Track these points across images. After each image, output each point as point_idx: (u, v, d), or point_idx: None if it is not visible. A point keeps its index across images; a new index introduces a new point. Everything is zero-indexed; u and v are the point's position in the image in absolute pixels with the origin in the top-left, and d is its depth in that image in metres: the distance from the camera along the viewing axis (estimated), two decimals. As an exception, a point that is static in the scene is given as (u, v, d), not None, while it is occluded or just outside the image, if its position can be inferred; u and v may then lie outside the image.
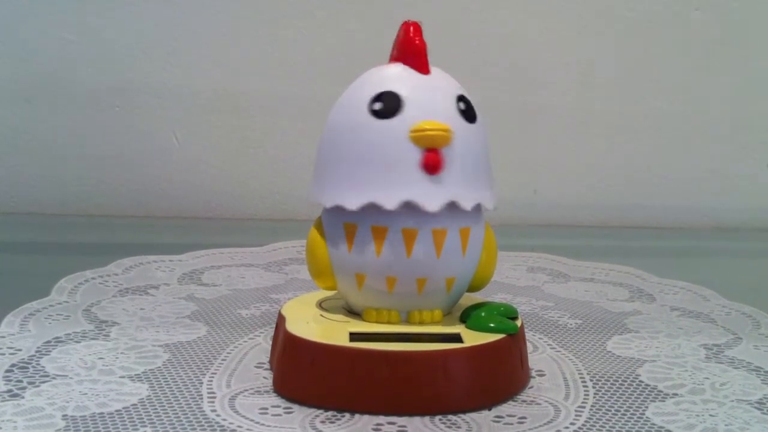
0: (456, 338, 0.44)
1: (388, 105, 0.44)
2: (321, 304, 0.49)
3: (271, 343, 0.49)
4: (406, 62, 0.45)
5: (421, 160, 0.43)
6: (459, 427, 0.40)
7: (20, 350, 0.48)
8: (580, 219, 1.00)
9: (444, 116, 0.44)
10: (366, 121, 0.44)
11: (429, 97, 0.44)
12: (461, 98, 0.45)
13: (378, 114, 0.44)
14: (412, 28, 0.46)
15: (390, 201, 0.43)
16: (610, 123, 0.99)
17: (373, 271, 0.45)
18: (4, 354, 0.47)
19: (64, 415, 0.40)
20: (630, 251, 0.87)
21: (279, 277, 0.68)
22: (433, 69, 0.46)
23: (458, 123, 0.44)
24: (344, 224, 0.45)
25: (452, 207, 0.44)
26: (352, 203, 0.44)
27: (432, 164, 0.43)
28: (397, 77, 0.45)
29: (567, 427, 0.41)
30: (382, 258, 0.44)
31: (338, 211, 0.45)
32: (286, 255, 0.75)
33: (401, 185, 0.43)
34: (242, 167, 0.97)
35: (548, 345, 0.53)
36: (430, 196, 0.43)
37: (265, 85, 0.95)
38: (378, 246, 0.44)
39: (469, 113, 0.45)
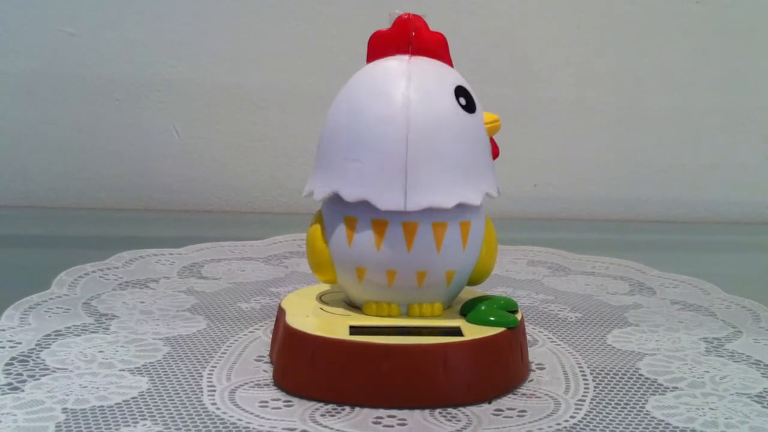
0: (456, 332, 0.44)
1: (469, 101, 0.45)
2: (321, 298, 0.49)
3: (271, 336, 0.49)
4: (430, 55, 0.46)
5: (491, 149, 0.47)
6: (459, 421, 0.40)
7: (20, 343, 0.48)
8: (580, 213, 1.00)
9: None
10: (458, 117, 0.45)
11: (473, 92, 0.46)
12: (460, 90, 0.45)
13: (467, 109, 0.45)
14: (416, 22, 0.46)
15: (477, 196, 0.45)
16: (610, 117, 0.99)
17: (373, 264, 0.45)
18: (4, 347, 0.47)
19: (64, 408, 0.40)
20: (630, 245, 0.87)
21: (279, 271, 0.68)
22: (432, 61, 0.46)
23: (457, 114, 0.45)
24: (344, 217, 0.45)
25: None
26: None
27: (497, 151, 0.47)
28: (449, 72, 0.46)
29: (567, 420, 0.41)
30: (382, 251, 0.44)
31: (341, 204, 0.44)
32: (286, 248, 0.75)
33: (483, 179, 0.46)
34: (242, 161, 0.97)
35: (548, 338, 0.53)
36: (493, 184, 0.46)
37: (265, 79, 0.95)
38: (378, 239, 0.44)
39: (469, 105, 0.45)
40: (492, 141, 0.46)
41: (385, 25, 0.47)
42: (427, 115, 0.44)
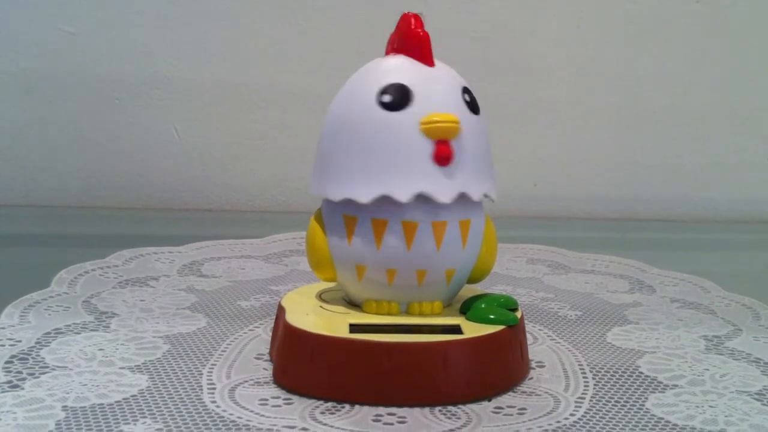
0: (456, 330, 0.44)
1: (396, 97, 0.44)
2: (321, 296, 0.49)
3: (270, 334, 0.49)
4: (409, 54, 0.45)
5: (432, 151, 0.43)
6: (459, 418, 0.40)
7: (20, 341, 0.48)
8: (580, 211, 1.00)
9: (452, 108, 0.44)
10: (375, 114, 0.44)
11: (436, 89, 0.44)
12: (466, 90, 0.45)
13: (387, 106, 0.44)
14: (413, 20, 0.45)
15: (403, 193, 0.43)
16: (609, 116, 0.99)
17: (373, 262, 0.45)
18: (4, 345, 0.47)
19: (64, 406, 0.40)
20: (630, 243, 0.87)
21: (279, 269, 0.68)
22: (435, 61, 0.46)
23: (465, 115, 0.44)
24: (344, 216, 0.45)
25: (462, 198, 0.44)
26: (364, 196, 0.43)
27: (444, 156, 0.43)
28: (404, 69, 0.45)
29: (567, 418, 0.41)
30: (382, 250, 0.44)
31: (341, 203, 0.44)
32: (286, 246, 0.75)
33: (413, 177, 0.43)
34: (242, 159, 0.97)
35: (548, 336, 0.53)
36: (442, 187, 0.43)
37: (265, 78, 0.95)
38: (378, 238, 0.44)
39: (473, 105, 0.45)
40: (437, 143, 0.44)
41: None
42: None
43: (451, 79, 0.45)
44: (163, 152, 0.96)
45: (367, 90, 0.44)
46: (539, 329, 0.55)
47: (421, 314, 0.46)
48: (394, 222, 0.44)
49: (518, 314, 0.46)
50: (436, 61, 0.46)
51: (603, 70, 0.98)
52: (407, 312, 0.46)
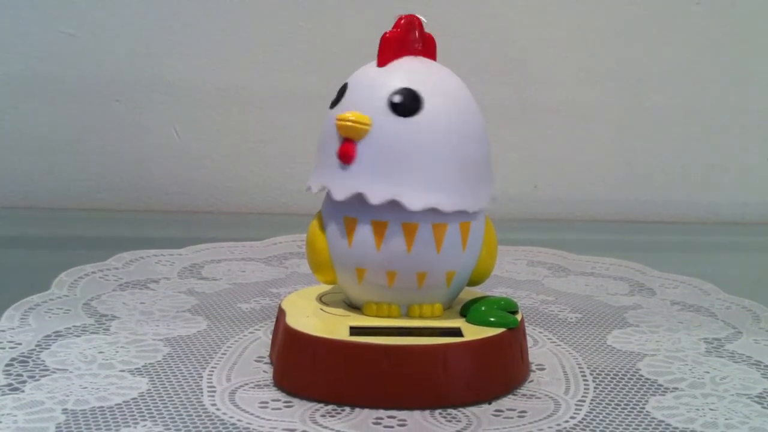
0: (456, 332, 0.44)
1: (337, 96, 0.46)
2: (321, 298, 0.49)
3: (271, 337, 0.49)
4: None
5: (338, 149, 0.44)
6: (459, 421, 0.40)
7: (20, 344, 0.48)
8: (580, 213, 1.00)
9: (371, 109, 0.44)
10: (327, 112, 0.46)
11: (367, 90, 0.45)
12: (404, 91, 0.44)
13: (331, 104, 0.46)
14: (403, 21, 0.46)
15: (337, 192, 0.44)
16: (610, 118, 0.99)
17: (373, 265, 0.45)
18: (4, 348, 0.47)
19: (65, 409, 0.40)
20: (630, 245, 0.87)
21: (279, 271, 0.68)
22: (403, 62, 0.45)
23: (384, 116, 0.44)
24: (344, 218, 0.45)
25: (360, 198, 0.44)
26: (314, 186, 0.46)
27: (343, 154, 0.44)
28: (360, 70, 0.46)
29: (567, 421, 0.41)
30: (382, 252, 0.44)
31: (341, 204, 0.44)
32: (286, 249, 0.75)
33: (321, 170, 0.45)
34: (242, 161, 0.97)
35: (548, 339, 0.53)
36: (340, 185, 0.44)
37: (265, 80, 0.95)
38: (378, 240, 0.44)
39: (403, 107, 0.44)
40: (343, 142, 0.44)
41: (384, 25, 0.47)
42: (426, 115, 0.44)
43: (388, 82, 0.44)
44: (163, 154, 0.96)
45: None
46: (539, 332, 0.55)
47: (422, 317, 0.46)
48: (394, 224, 0.44)
49: (518, 317, 0.46)
50: (400, 62, 0.45)
51: (603, 71, 0.98)
52: (407, 314, 0.46)
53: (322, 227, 0.46)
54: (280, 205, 0.97)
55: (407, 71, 0.45)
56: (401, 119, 0.44)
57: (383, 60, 0.45)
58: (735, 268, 0.79)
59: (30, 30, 0.92)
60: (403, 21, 0.46)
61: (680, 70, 0.99)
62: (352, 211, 0.44)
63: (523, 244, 0.79)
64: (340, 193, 0.44)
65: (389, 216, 0.44)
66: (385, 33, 0.45)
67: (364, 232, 0.44)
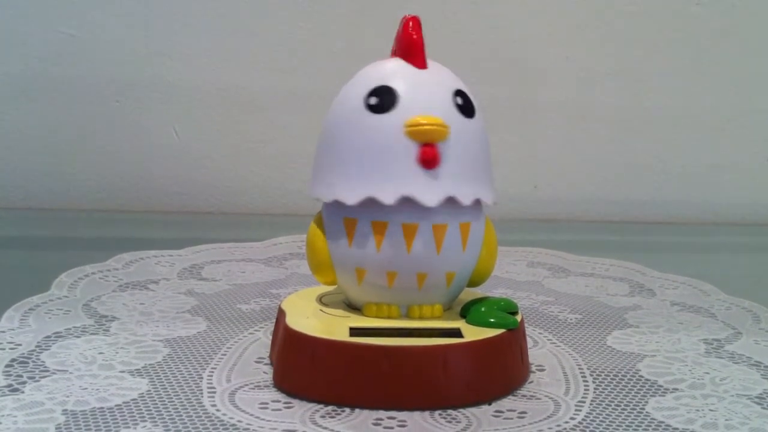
0: (456, 333, 0.44)
1: (383, 100, 0.44)
2: (321, 299, 0.49)
3: (271, 338, 0.49)
4: (404, 57, 0.45)
5: (417, 154, 0.43)
6: (459, 422, 0.40)
7: (20, 345, 0.48)
8: (580, 214, 1.00)
9: (440, 111, 0.44)
10: (362, 116, 0.44)
11: (425, 92, 0.44)
12: (459, 93, 0.45)
13: (374, 109, 0.44)
14: (411, 23, 0.45)
15: (388, 196, 0.43)
16: (610, 118, 0.99)
17: (373, 265, 0.45)
18: (4, 349, 0.47)
19: (65, 410, 0.40)
20: (630, 246, 0.87)
21: (279, 272, 0.68)
22: (431, 63, 0.46)
23: (455, 117, 0.44)
24: (344, 219, 0.45)
25: (451, 202, 0.44)
26: (351, 198, 0.44)
27: (428, 158, 0.43)
28: (394, 72, 0.45)
29: (567, 422, 0.41)
30: (382, 253, 0.44)
31: (338, 205, 0.44)
32: (286, 250, 0.75)
33: (399, 180, 0.43)
34: (242, 162, 0.97)
35: (548, 340, 0.53)
36: (428, 190, 0.43)
37: (265, 80, 0.95)
38: (378, 241, 0.44)
39: (466, 108, 0.45)
40: (422, 146, 0.43)
41: (384, 25, 0.47)
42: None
43: (442, 82, 0.45)
44: (163, 155, 0.96)
45: (357, 93, 0.45)
46: (539, 333, 0.55)
47: (422, 317, 0.46)
48: (394, 224, 0.44)
49: (518, 318, 0.46)
50: (432, 64, 0.46)
51: (603, 72, 0.98)
52: (407, 315, 0.46)
53: (322, 228, 0.46)
54: (280, 205, 0.97)
55: (448, 72, 0.46)
56: (466, 119, 0.45)
57: (423, 62, 0.45)
58: (735, 269, 0.79)
59: (30, 30, 0.92)
60: (411, 22, 0.46)
61: (680, 70, 0.99)
62: (353, 212, 0.44)
63: (523, 245, 0.79)
64: (432, 200, 0.43)
65: (389, 216, 0.44)
66: (410, 34, 0.45)
67: (364, 233, 0.44)
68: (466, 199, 0.44)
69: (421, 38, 0.45)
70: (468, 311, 0.46)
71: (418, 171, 0.43)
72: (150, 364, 0.46)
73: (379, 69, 0.46)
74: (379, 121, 0.44)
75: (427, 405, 0.42)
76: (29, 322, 0.52)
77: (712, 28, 0.98)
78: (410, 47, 0.45)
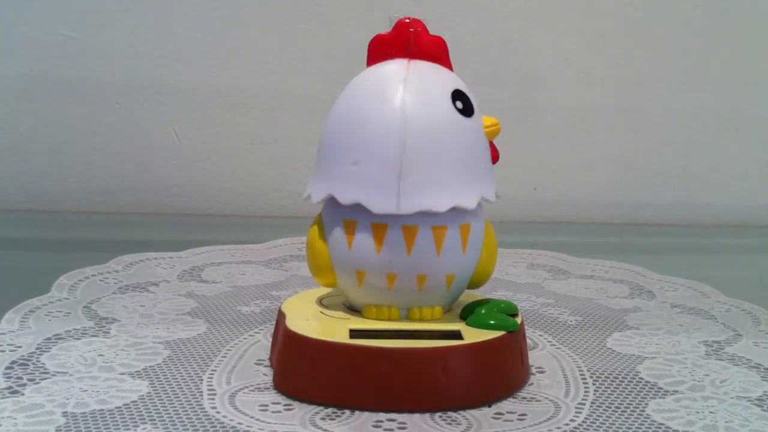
0: (456, 335, 0.44)
1: (467, 103, 0.45)
2: (321, 301, 0.49)
3: (271, 340, 0.49)
4: (428, 59, 0.46)
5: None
6: (459, 424, 0.40)
7: (20, 347, 0.48)
8: (580, 216, 1.00)
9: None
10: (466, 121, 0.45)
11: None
12: (457, 93, 0.45)
13: (469, 113, 0.45)
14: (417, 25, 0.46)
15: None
16: (609, 120, 0.99)
17: (373, 267, 0.45)
18: (4, 351, 0.47)
19: (64, 412, 0.40)
20: (630, 248, 0.87)
21: (279, 274, 0.68)
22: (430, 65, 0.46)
23: (454, 118, 0.45)
24: (344, 221, 0.45)
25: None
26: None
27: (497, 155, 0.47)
28: (455, 77, 0.46)
29: (567, 424, 0.41)
30: (382, 255, 0.44)
31: (341, 207, 0.44)
32: (287, 252, 0.75)
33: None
34: (242, 164, 0.97)
35: (548, 342, 0.53)
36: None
37: (265, 82, 0.95)
38: (378, 243, 0.44)
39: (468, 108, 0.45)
40: (491, 145, 0.46)
41: (385, 28, 0.47)
42: (423, 118, 0.44)
43: (445, 83, 0.45)
44: (163, 156, 0.96)
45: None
46: (539, 335, 0.55)
47: (422, 319, 0.46)
48: (394, 226, 0.44)
49: (518, 320, 0.46)
50: (431, 65, 0.46)
51: (603, 74, 0.98)
52: (407, 317, 0.46)
53: (322, 230, 0.46)
54: (280, 207, 0.97)
55: (446, 73, 0.47)
56: (466, 119, 0.45)
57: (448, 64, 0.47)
58: (735, 271, 0.79)
59: (30, 32, 0.92)
60: (407, 21, 0.46)
61: (680, 72, 0.99)
62: (352, 213, 0.44)
63: (523, 247, 0.79)
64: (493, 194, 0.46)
65: (389, 219, 0.44)
66: (436, 38, 0.46)
67: (364, 235, 0.44)
68: (470, 205, 0.44)
69: (441, 40, 0.46)
70: (468, 313, 0.46)
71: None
72: (150, 366, 0.46)
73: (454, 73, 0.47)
74: (468, 124, 0.46)
75: (427, 407, 0.42)
76: (29, 324, 0.52)
77: (711, 31, 0.98)
78: (441, 50, 0.46)
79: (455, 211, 0.44)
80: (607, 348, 0.52)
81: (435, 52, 0.46)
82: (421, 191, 0.43)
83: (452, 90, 0.45)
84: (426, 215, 0.43)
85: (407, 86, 0.44)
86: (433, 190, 0.43)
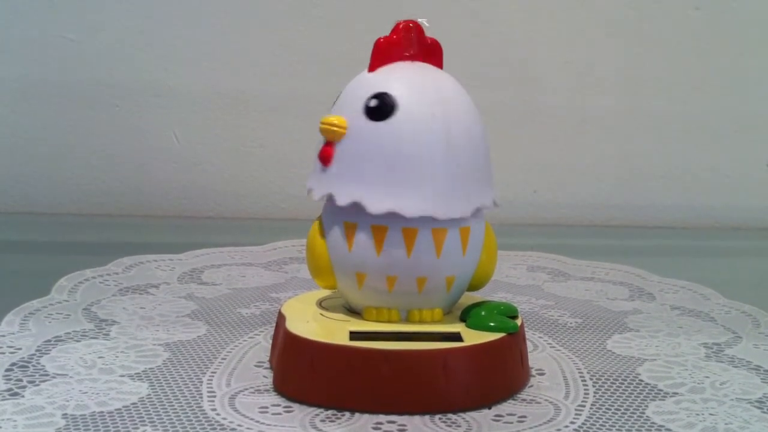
0: (456, 337, 0.44)
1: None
2: (321, 303, 0.49)
3: (271, 342, 0.49)
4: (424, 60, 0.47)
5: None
6: (459, 426, 0.40)
7: (20, 349, 0.48)
8: (580, 218, 1.00)
9: (350, 112, 0.44)
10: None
11: (350, 94, 0.45)
12: (378, 96, 0.44)
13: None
14: (401, 26, 0.46)
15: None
16: (609, 122, 0.99)
17: (373, 270, 0.45)
18: (4, 353, 0.47)
19: (64, 414, 0.40)
20: (630, 250, 0.87)
21: (279, 276, 0.68)
22: (389, 68, 0.46)
23: (359, 120, 0.44)
24: (344, 223, 0.45)
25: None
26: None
27: (322, 156, 0.45)
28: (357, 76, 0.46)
29: (567, 426, 0.41)
30: (382, 257, 0.44)
31: (341, 209, 0.44)
32: (286, 254, 0.75)
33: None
34: (242, 166, 0.97)
35: (548, 344, 0.53)
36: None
37: (264, 84, 0.95)
38: (378, 245, 0.44)
39: (376, 111, 0.44)
40: (324, 146, 0.45)
41: (384, 31, 0.47)
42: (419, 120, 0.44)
43: (367, 86, 0.45)
44: (163, 159, 0.96)
45: None
46: (539, 337, 0.55)
47: (422, 321, 0.46)
48: (393, 228, 0.44)
49: (518, 322, 0.46)
50: (388, 68, 0.46)
51: (603, 76, 0.98)
52: (407, 319, 0.46)
53: (322, 232, 0.46)
54: (279, 210, 0.97)
55: (390, 76, 0.45)
56: (375, 123, 0.44)
57: (373, 65, 0.46)
58: (735, 273, 0.79)
59: (30, 35, 0.92)
60: (401, 26, 0.46)
61: (680, 75, 0.99)
62: (352, 215, 0.44)
63: (523, 249, 0.79)
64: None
65: (389, 221, 0.44)
66: (379, 38, 0.46)
67: (363, 237, 0.44)
68: (342, 200, 0.44)
69: (384, 42, 0.46)
70: (468, 315, 0.46)
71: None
72: (150, 368, 0.46)
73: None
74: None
75: (427, 409, 0.42)
76: (29, 326, 0.52)
77: (711, 33, 0.98)
78: (372, 50, 0.46)
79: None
80: (607, 350, 0.52)
81: (431, 53, 0.46)
82: (421, 195, 0.43)
83: (375, 92, 0.45)
84: (427, 217, 0.43)
85: (403, 90, 0.44)
86: (430, 194, 0.44)
